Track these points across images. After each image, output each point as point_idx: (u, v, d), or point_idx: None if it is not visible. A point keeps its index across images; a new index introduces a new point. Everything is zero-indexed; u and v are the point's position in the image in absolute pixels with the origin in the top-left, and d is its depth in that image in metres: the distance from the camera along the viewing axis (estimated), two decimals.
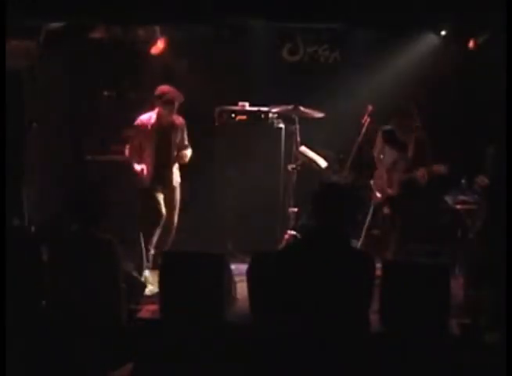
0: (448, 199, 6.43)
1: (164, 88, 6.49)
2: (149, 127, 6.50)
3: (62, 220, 5.83)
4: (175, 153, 6.64)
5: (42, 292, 4.86)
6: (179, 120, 6.66)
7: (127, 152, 6.62)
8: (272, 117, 7.35)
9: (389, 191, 6.78)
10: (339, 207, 3.98)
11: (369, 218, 6.99)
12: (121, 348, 4.56)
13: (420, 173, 6.56)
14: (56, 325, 4.56)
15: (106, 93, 8.03)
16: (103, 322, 4.53)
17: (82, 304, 4.50)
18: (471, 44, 7.03)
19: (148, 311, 5.48)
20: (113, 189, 6.89)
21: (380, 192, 6.84)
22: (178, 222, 6.77)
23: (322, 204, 3.99)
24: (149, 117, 6.53)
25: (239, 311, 5.45)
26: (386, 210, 6.91)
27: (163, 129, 6.55)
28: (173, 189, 6.70)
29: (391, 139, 6.84)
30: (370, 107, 7.01)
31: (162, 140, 6.56)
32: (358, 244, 6.82)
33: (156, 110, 6.52)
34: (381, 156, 6.90)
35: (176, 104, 6.48)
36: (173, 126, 6.61)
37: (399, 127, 6.73)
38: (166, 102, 6.43)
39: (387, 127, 6.87)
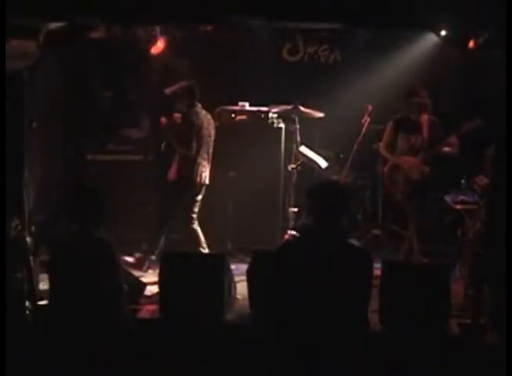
0: (448, 199, 6.42)
1: None
2: None
3: (61, 220, 5.83)
4: None
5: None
6: None
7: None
8: (272, 117, 7.35)
9: (414, 176, 6.70)
10: (336, 206, 3.97)
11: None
12: (121, 348, 4.55)
13: (452, 140, 6.54)
14: (56, 325, 4.56)
15: (106, 93, 8.03)
16: (104, 322, 4.53)
17: (82, 304, 4.50)
18: (471, 44, 7.03)
19: (148, 311, 5.49)
20: (113, 189, 6.90)
21: (398, 188, 6.78)
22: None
23: (320, 203, 3.99)
24: None
25: (239, 311, 5.46)
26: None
27: None
28: None
29: (404, 125, 6.81)
30: (370, 107, 7.02)
31: None
32: (358, 243, 6.81)
33: None
34: (392, 148, 6.87)
35: None
36: None
37: (410, 107, 6.69)
38: None
39: (398, 115, 6.85)
